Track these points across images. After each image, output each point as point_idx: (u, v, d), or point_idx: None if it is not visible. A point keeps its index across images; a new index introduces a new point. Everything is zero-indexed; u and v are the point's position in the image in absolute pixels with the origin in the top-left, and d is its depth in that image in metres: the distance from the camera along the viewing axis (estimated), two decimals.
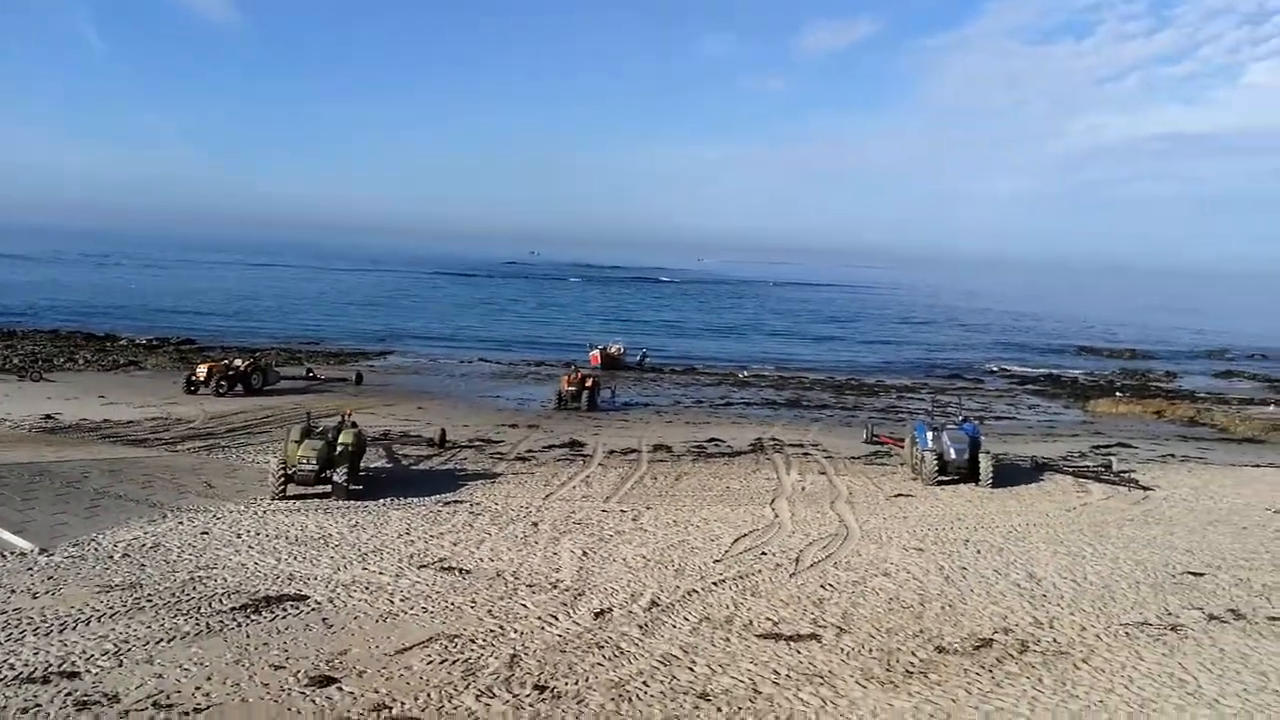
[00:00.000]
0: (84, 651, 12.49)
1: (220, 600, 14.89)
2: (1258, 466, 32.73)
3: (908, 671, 12.87)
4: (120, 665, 12.12)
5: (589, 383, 43.66)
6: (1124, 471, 29.92)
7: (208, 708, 11.09)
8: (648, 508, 23.34)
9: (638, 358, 62.24)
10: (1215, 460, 34.35)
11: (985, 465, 27.05)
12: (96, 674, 11.82)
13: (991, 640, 14.18)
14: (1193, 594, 16.84)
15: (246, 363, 43.17)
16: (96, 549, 17.59)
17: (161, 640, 13.03)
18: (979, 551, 19.70)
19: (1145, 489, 27.28)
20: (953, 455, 27.27)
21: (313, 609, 14.69)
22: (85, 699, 11.12)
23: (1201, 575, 18.09)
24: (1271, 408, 52.70)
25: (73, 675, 11.74)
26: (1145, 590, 17.02)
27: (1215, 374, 73.64)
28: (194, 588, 15.49)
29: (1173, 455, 35.16)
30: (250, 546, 18.24)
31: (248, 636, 13.37)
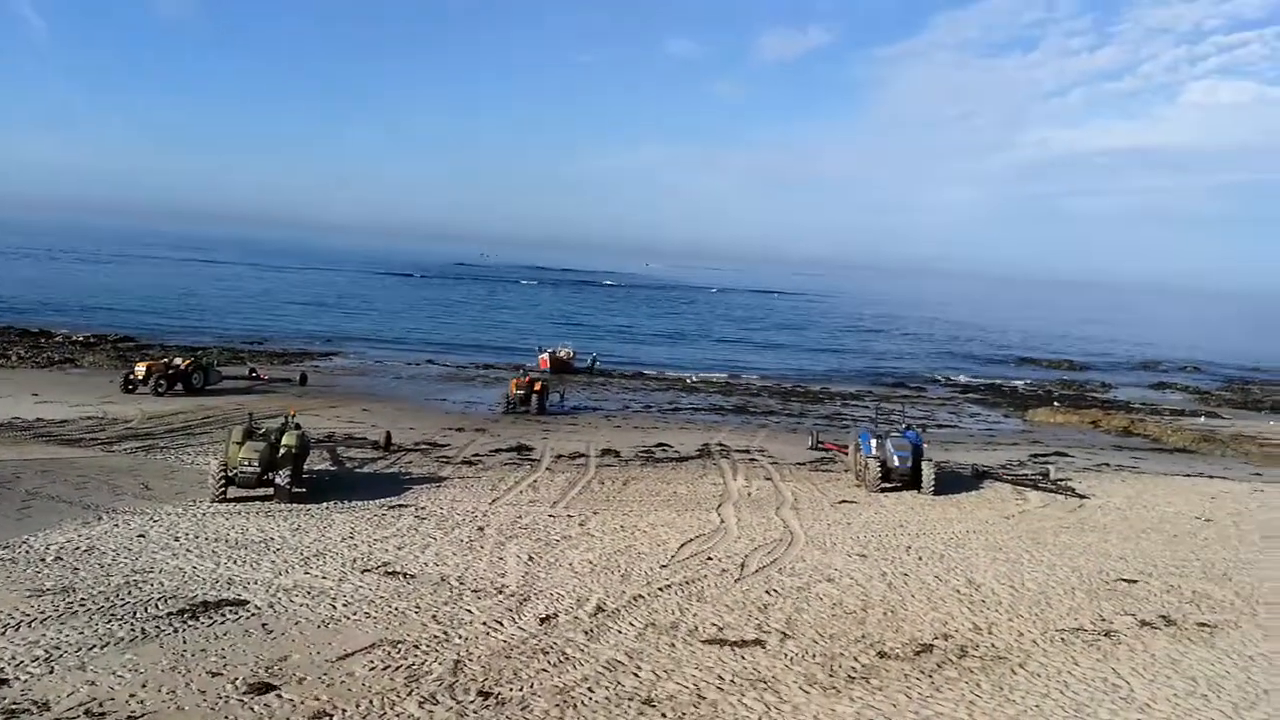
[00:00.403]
0: (13, 658, 12.16)
1: (157, 605, 14.58)
2: (1188, 476, 33.71)
3: (850, 676, 13.04)
4: (51, 672, 11.81)
5: (538, 386, 43.55)
6: (1061, 480, 30.63)
7: (142, 715, 10.86)
8: (595, 513, 23.33)
9: (588, 362, 62.17)
10: (1148, 469, 35.30)
11: (927, 473, 27.50)
12: (26, 681, 11.51)
13: (932, 645, 14.42)
14: (1126, 600, 17.30)
15: (187, 361, 42.29)
16: (28, 552, 17.11)
17: (95, 646, 12.72)
18: (920, 558, 20.02)
19: (1081, 497, 27.94)
20: (896, 463, 27.66)
21: (252, 614, 14.45)
22: (14, 707, 10.82)
23: (1134, 582, 18.58)
24: (1202, 419, 54.31)
25: (1, 682, 11.42)
26: (1080, 596, 17.44)
27: (1149, 385, 75.69)
28: (129, 592, 15.15)
29: (1107, 464, 36.05)
30: (189, 550, 17.88)
31: (185, 642, 13.11)
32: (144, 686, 11.56)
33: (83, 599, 14.63)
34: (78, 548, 17.57)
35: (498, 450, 32.27)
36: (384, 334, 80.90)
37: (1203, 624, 15.96)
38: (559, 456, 31.61)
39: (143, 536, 18.66)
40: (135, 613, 14.17)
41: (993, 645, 14.54)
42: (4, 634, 12.96)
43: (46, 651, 12.42)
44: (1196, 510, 26.49)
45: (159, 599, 14.88)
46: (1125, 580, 18.68)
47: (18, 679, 11.54)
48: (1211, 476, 33.93)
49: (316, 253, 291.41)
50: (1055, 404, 57.84)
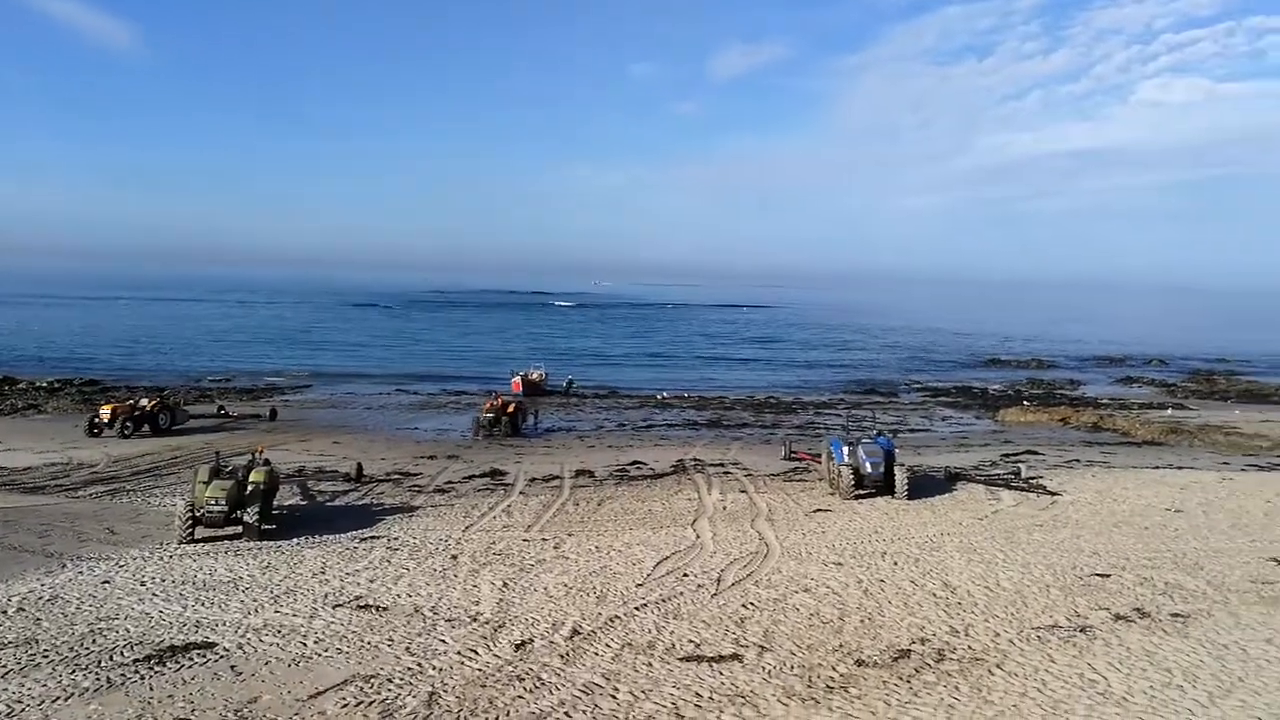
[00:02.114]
0: None
1: (122, 652, 14.26)
2: (1157, 468, 34.04)
3: (828, 687, 12.96)
4: None
5: (510, 408, 43.35)
6: (1033, 478, 30.83)
7: None
8: (569, 535, 23.17)
9: (564, 384, 62.09)
10: (1118, 464, 35.62)
11: (900, 478, 27.57)
12: None
13: (909, 651, 14.38)
14: (1100, 595, 17.37)
15: (153, 402, 41.71)
16: None
17: (59, 698, 12.41)
18: (896, 563, 20.03)
19: (1053, 494, 28.12)
20: (868, 469, 27.72)
21: (221, 656, 14.17)
22: None
23: (1108, 576, 18.67)
24: (1169, 411, 54.96)
25: None
26: (1055, 593, 17.49)
27: (1116, 380, 76.58)
28: (94, 640, 14.81)
29: (1078, 460, 36.35)
30: (155, 594, 17.54)
31: (151, 689, 12.82)
32: None
33: (46, 650, 14.28)
34: (40, 598, 17.18)
35: (470, 476, 32.04)
36: (353, 366, 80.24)
37: (1176, 614, 16.04)
38: (533, 480, 31.43)
39: (107, 583, 18.29)
40: (100, 661, 13.84)
41: (970, 647, 14.53)
42: None
43: (8, 706, 12.10)
44: (1167, 502, 26.72)
45: (124, 646, 14.56)
46: (1099, 575, 18.77)
47: None
48: (1180, 467, 34.30)
49: (278, 286, 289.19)
50: (1025, 403, 58.35)
